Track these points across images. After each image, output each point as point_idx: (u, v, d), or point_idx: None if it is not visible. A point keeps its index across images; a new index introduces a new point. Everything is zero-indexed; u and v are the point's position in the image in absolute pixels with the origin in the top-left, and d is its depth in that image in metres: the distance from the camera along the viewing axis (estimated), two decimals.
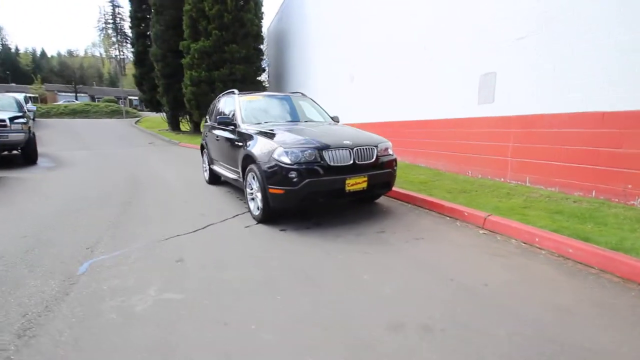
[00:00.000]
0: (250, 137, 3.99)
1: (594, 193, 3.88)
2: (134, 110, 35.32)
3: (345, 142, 3.65)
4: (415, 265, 2.65)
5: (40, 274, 2.56)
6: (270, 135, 3.78)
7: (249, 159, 3.88)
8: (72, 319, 2.00)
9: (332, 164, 3.43)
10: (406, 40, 6.84)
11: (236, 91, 5.07)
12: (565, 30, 4.01)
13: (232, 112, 4.71)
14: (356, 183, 3.53)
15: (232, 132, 4.53)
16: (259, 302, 2.16)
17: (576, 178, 4.04)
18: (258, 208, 3.76)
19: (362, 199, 4.44)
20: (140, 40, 19.80)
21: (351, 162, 3.54)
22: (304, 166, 3.33)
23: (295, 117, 4.93)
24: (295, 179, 3.30)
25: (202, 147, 6.36)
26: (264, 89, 16.82)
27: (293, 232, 3.47)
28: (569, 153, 4.08)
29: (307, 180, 3.30)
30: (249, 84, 16.50)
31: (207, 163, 6.07)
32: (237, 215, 4.12)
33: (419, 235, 3.31)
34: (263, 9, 16.14)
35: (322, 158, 3.41)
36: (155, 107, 20.47)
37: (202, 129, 22.62)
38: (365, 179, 3.59)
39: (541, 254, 2.79)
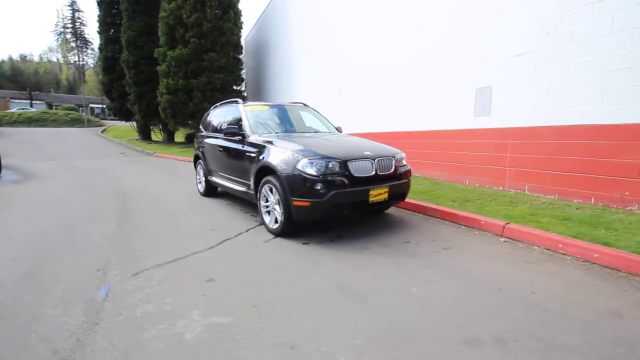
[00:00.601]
0: (264, 147, 3.86)
1: (592, 200, 4.14)
2: (96, 119, 33.35)
3: (366, 152, 3.63)
4: (456, 275, 2.65)
5: (55, 303, 2.27)
6: (287, 145, 3.68)
7: (265, 171, 3.75)
8: (114, 352, 1.78)
9: (356, 175, 3.40)
10: (399, 54, 7.04)
11: (240, 101, 4.92)
12: (561, 49, 4.31)
13: (238, 122, 4.55)
14: (379, 194, 3.52)
15: (239, 142, 4.36)
16: (315, 321, 2.05)
17: (575, 186, 4.29)
18: (276, 221, 3.63)
19: (378, 210, 4.43)
20: (109, 46, 18.86)
21: (373, 173, 3.52)
22: (329, 177, 3.26)
23: (302, 127, 4.87)
24: (321, 191, 3.22)
25: (197, 158, 6.10)
26: (243, 98, 16.57)
27: (317, 245, 3.37)
28: (568, 163, 4.34)
29: (333, 192, 3.24)
30: (228, 93, 16.21)
31: (202, 174, 5.82)
32: (249, 229, 3.95)
33: (445, 245, 3.33)
34: (242, 19, 16.00)
35: (346, 169, 3.36)
36: (125, 115, 19.46)
37: (179, 139, 21.84)
38: (387, 189, 3.59)
39: (567, 260, 2.91)
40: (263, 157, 3.79)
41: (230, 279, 2.63)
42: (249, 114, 4.58)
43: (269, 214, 3.80)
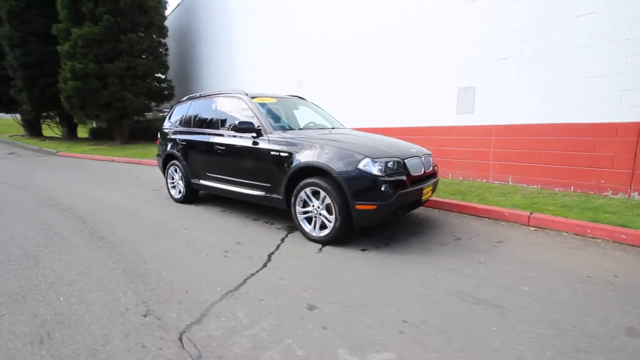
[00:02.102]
0: (298, 145, 3.41)
1: (572, 188, 4.82)
2: None
3: (412, 150, 3.52)
4: (539, 268, 2.74)
5: None
6: (336, 143, 3.32)
7: (307, 172, 3.31)
8: None
9: (413, 173, 3.25)
10: (375, 49, 7.08)
11: (242, 91, 4.26)
12: (543, 56, 4.86)
13: (250, 117, 3.93)
14: (427, 192, 3.45)
15: (253, 140, 3.77)
16: (485, 342, 1.85)
17: (556, 176, 4.94)
18: (322, 227, 3.26)
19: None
20: None
21: (423, 171, 3.43)
22: (393, 178, 3.05)
23: (320, 123, 4.48)
24: (388, 192, 2.98)
25: (168, 159, 5.12)
26: (171, 88, 14.70)
27: (377, 251, 3.11)
28: (549, 156, 4.96)
29: (398, 193, 3.03)
30: (152, 81, 14.22)
31: (178, 178, 4.92)
32: (283, 238, 3.46)
33: (494, 238, 3.44)
34: None
35: (405, 168, 3.19)
36: (6, 106, 15.41)
37: (82, 134, 18.41)
38: (431, 187, 3.56)
39: (601, 243, 3.30)
40: (300, 157, 3.34)
41: (332, 303, 2.22)
42: (261, 108, 4.00)
43: (308, 221, 3.39)
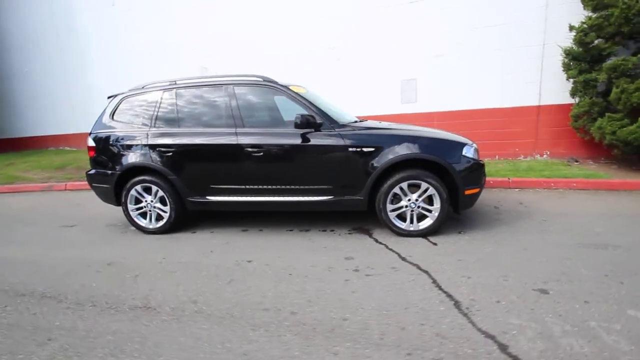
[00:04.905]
0: (386, 139, 3.15)
1: (497, 157, 6.34)
2: None
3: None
4: (560, 215, 3.63)
5: None
6: (420, 133, 3.27)
7: (399, 165, 3.10)
8: None
9: None
10: (312, 38, 6.93)
11: (270, 78, 3.42)
12: (472, 54, 6.09)
13: (305, 110, 3.25)
14: None
15: (302, 136, 3.19)
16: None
17: (485, 150, 6.33)
18: (420, 219, 3.17)
19: None
20: None
21: None
22: (481, 162, 3.28)
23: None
24: (484, 174, 3.22)
25: (129, 176, 3.58)
26: None
27: (450, 244, 3.04)
28: (479, 134, 6.32)
29: (485, 176, 3.31)
30: None
31: (159, 200, 3.56)
32: (378, 241, 3.14)
33: (515, 203, 4.23)
34: None
35: (477, 154, 3.47)
36: None
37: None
38: None
39: (585, 191, 4.53)
40: (390, 151, 3.08)
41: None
42: (309, 98, 3.39)
43: (399, 218, 3.21)
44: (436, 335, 1.81)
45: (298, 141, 3.21)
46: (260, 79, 3.42)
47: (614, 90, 4.64)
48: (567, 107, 5.70)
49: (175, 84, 3.59)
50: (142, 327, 1.99)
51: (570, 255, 2.70)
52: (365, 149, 3.14)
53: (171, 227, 3.61)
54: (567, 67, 5.32)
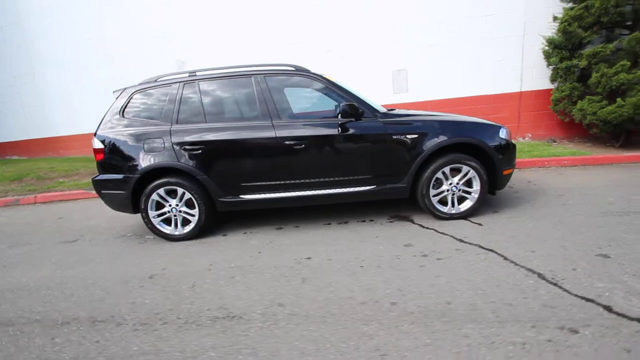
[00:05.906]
0: (427, 125, 3.19)
1: None
2: None
3: None
4: (573, 188, 3.96)
5: None
6: (460, 118, 3.43)
7: (440, 151, 3.15)
8: None
9: None
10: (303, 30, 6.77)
11: (302, 67, 3.27)
12: (463, 44, 6.35)
13: (344, 100, 3.17)
14: None
15: (340, 126, 3.13)
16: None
17: None
18: (459, 202, 3.27)
19: None
20: None
21: None
22: (513, 143, 3.45)
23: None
24: (515, 155, 3.39)
25: (148, 180, 3.25)
26: None
27: (493, 223, 3.28)
28: None
29: (516, 158, 3.48)
30: None
31: (185, 203, 3.27)
32: (423, 226, 3.18)
33: (528, 182, 4.51)
34: None
35: (510, 136, 3.61)
36: None
37: None
38: None
39: (558, 167, 4.98)
40: (432, 137, 3.12)
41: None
42: (346, 87, 3.31)
43: (440, 202, 3.27)
44: (544, 306, 1.88)
45: (340, 131, 3.13)
46: (293, 68, 3.27)
47: (594, 74, 5.12)
48: (546, 92, 6.20)
49: (196, 75, 3.30)
50: (241, 338, 1.83)
51: (603, 223, 2.95)
52: (409, 136, 3.14)
53: (200, 232, 3.35)
54: (548, 55, 5.76)
